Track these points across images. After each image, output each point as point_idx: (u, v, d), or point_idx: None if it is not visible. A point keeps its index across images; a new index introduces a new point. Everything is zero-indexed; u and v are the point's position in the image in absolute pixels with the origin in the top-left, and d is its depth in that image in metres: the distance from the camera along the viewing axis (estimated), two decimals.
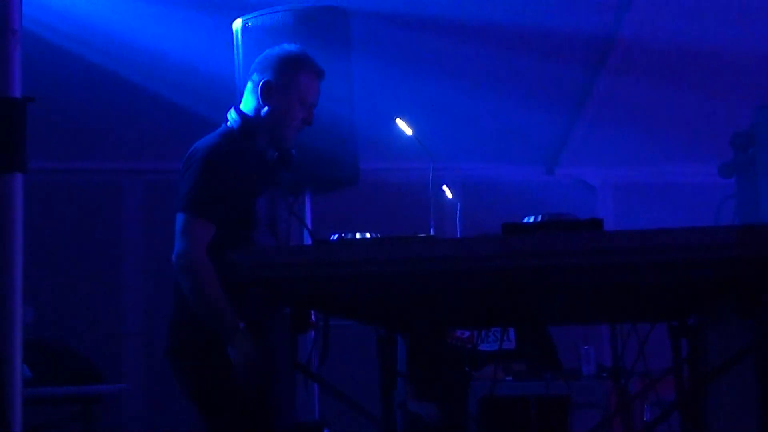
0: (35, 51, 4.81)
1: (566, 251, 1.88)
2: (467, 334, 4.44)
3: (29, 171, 1.65)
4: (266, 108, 2.84)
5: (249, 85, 2.90)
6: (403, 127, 3.01)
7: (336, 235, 2.29)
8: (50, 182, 5.88)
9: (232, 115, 2.88)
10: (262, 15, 3.73)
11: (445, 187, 3.34)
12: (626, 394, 3.44)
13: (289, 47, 2.94)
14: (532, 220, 2.05)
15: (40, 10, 4.71)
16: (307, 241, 3.41)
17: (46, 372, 4.23)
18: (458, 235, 3.10)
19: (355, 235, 2.26)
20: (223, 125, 2.89)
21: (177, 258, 2.67)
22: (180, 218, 2.68)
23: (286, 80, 2.84)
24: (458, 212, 3.13)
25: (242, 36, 3.74)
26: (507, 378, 4.01)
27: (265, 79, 2.85)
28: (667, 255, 1.86)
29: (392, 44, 5.24)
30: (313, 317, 3.24)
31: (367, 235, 2.27)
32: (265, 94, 2.83)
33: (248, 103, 2.89)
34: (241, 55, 3.71)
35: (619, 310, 2.86)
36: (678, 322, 2.83)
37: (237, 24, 3.76)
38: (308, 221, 3.93)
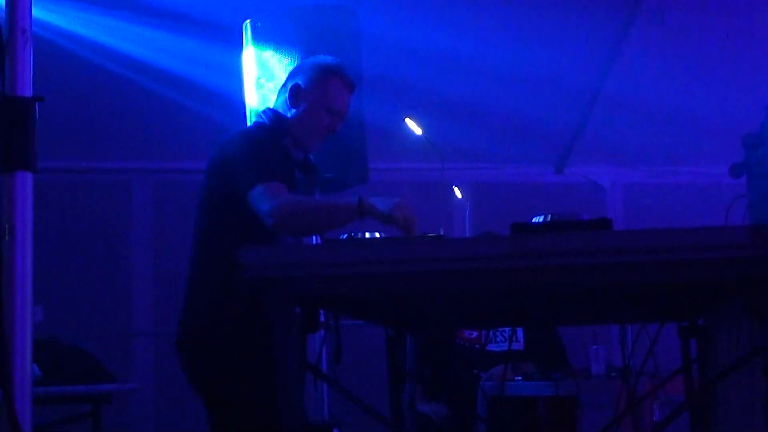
0: (45, 51, 4.83)
1: (575, 251, 1.88)
2: (475, 334, 4.44)
3: (39, 170, 1.66)
4: (293, 111, 2.90)
5: (282, 88, 2.97)
6: (413, 126, 3.02)
7: (345, 235, 2.29)
8: (59, 182, 5.90)
9: (265, 113, 2.94)
10: (271, 15, 3.73)
11: (455, 188, 3.33)
12: (635, 394, 3.43)
13: (324, 57, 3.01)
14: (541, 219, 2.05)
15: (48, 11, 4.73)
16: (317, 240, 3.42)
17: (56, 371, 4.24)
18: (467, 235, 3.09)
19: (364, 235, 2.27)
20: (255, 123, 2.94)
21: (271, 214, 2.59)
22: (255, 191, 2.64)
23: (315, 85, 2.90)
24: (468, 212, 3.12)
25: (252, 36, 3.75)
26: (516, 378, 4.00)
27: (296, 82, 2.91)
28: (677, 255, 1.86)
29: (402, 43, 5.24)
30: (322, 317, 3.25)
31: (377, 234, 2.28)
32: (294, 96, 2.90)
33: (280, 105, 2.95)
34: (252, 56, 3.72)
35: (628, 311, 2.85)
36: (688, 322, 2.83)
37: (245, 25, 3.76)
38: None
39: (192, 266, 2.85)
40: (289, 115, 2.90)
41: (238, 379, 2.68)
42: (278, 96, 2.98)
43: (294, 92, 2.90)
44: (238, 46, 3.82)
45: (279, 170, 2.72)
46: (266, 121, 2.90)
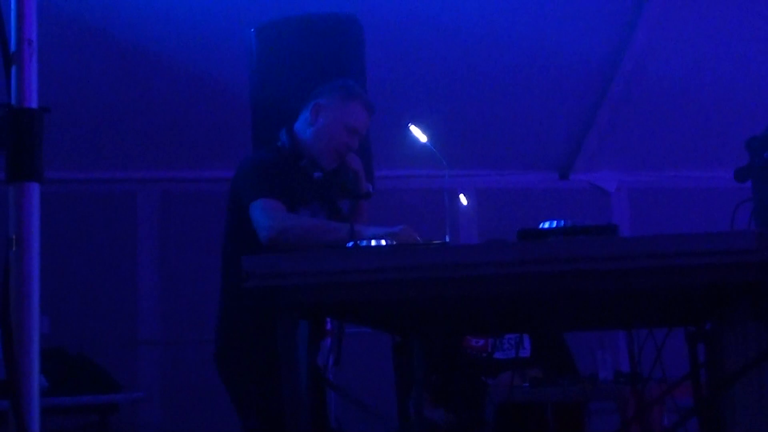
0: (52, 59, 4.85)
1: (582, 257, 1.88)
2: (482, 341, 4.44)
3: (45, 181, 1.66)
4: (312, 127, 3.02)
5: (304, 107, 3.09)
6: (417, 133, 3.02)
7: (350, 243, 2.30)
8: (66, 192, 5.91)
9: (283, 134, 3.06)
10: (276, 24, 3.73)
11: (461, 195, 3.34)
12: (643, 400, 3.43)
13: (347, 80, 3.15)
14: (547, 226, 2.05)
15: (54, 19, 4.74)
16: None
17: (63, 381, 4.25)
18: (474, 242, 3.09)
19: (369, 242, 2.27)
20: (275, 144, 3.06)
21: (268, 231, 2.72)
22: (255, 206, 2.79)
23: (336, 103, 3.04)
24: (474, 219, 3.13)
25: (257, 45, 3.75)
26: (523, 385, 3.99)
27: (318, 100, 3.05)
28: (684, 260, 1.85)
29: (406, 52, 5.24)
30: (328, 325, 3.25)
31: (382, 242, 2.28)
32: (314, 113, 3.03)
33: (301, 124, 3.08)
34: (256, 66, 3.71)
35: (635, 316, 2.85)
36: (695, 327, 2.82)
37: (251, 34, 3.77)
38: None
39: (221, 278, 2.93)
40: (308, 131, 3.01)
41: (273, 392, 2.71)
42: (301, 114, 3.09)
43: (315, 108, 3.02)
44: (245, 55, 3.82)
45: (283, 189, 2.83)
46: (283, 143, 3.02)
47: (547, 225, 2.06)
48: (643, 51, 5.35)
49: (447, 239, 2.81)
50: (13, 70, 1.64)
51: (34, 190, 1.64)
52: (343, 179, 3.03)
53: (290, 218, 2.77)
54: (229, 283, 2.92)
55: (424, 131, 3.02)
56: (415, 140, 3.03)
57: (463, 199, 3.57)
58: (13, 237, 1.61)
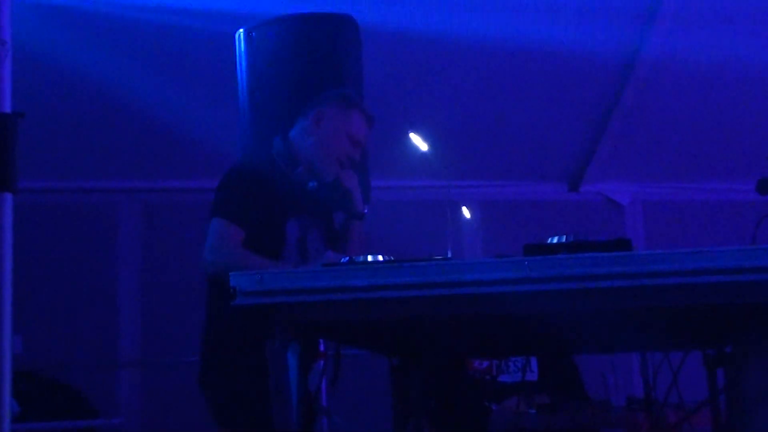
0: (26, 64, 4.84)
1: (592, 274, 1.88)
2: (486, 364, 4.43)
3: (19, 191, 1.66)
4: (313, 138, 3.11)
5: (301, 115, 3.18)
6: (418, 142, 3.02)
7: (346, 258, 2.29)
8: (41, 202, 5.90)
9: (278, 141, 3.15)
10: (266, 25, 3.74)
11: (463, 207, 3.37)
12: (658, 427, 3.42)
13: (346, 90, 3.26)
14: (555, 240, 2.05)
15: (29, 21, 4.75)
16: None
17: (36, 406, 4.24)
18: (477, 258, 3.09)
19: (366, 258, 2.27)
20: (267, 152, 3.15)
21: (205, 255, 2.88)
22: (213, 223, 2.93)
23: (338, 112, 3.14)
24: (477, 233, 3.14)
25: (245, 47, 3.75)
26: (530, 411, 3.98)
27: (320, 108, 3.14)
28: (702, 278, 1.85)
29: (406, 56, 5.25)
30: (321, 346, 3.24)
31: (379, 257, 2.28)
32: (316, 121, 3.11)
33: (299, 132, 3.16)
34: (244, 68, 3.72)
35: (650, 338, 2.84)
36: (714, 350, 2.82)
37: (239, 35, 3.77)
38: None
39: (206, 295, 2.96)
40: (309, 140, 3.08)
41: (262, 418, 2.70)
42: (298, 122, 3.17)
43: (317, 116, 3.11)
44: (231, 57, 3.83)
45: (247, 209, 2.92)
46: (275, 151, 3.10)
47: (555, 240, 2.05)
48: (658, 55, 5.36)
49: (449, 254, 2.81)
50: None
51: (7, 200, 1.64)
52: (338, 194, 3.07)
53: (236, 256, 2.83)
54: (213, 300, 2.94)
55: (425, 139, 3.02)
56: (415, 149, 3.03)
57: (466, 212, 3.58)
58: None
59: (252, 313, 2.07)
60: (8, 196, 1.67)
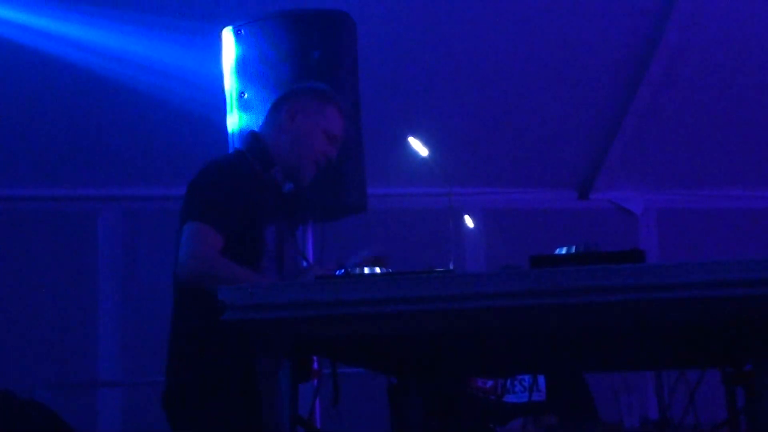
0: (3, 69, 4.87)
1: (604, 287, 1.88)
2: (490, 383, 4.43)
3: None
4: (287, 135, 3.04)
5: (271, 112, 3.11)
6: (418, 147, 3.02)
7: (341, 271, 2.30)
8: (14, 211, 5.90)
9: (248, 139, 3.09)
10: (255, 21, 3.74)
11: (465, 216, 3.36)
12: None
13: (316, 83, 3.20)
14: (564, 251, 2.05)
15: (7, 25, 4.77)
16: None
17: (10, 426, 4.23)
18: (481, 270, 3.10)
19: (362, 270, 2.27)
20: (237, 149, 3.11)
21: (185, 264, 2.77)
22: (187, 228, 2.83)
23: (313, 107, 3.07)
24: (481, 243, 3.14)
25: (232, 46, 3.75)
26: None
27: (292, 104, 3.06)
28: (720, 291, 1.85)
29: (405, 55, 5.26)
30: (315, 364, 3.24)
31: (377, 269, 2.28)
32: (290, 118, 3.04)
33: (269, 130, 3.09)
34: (234, 68, 3.72)
35: (665, 355, 2.85)
36: (733, 368, 2.82)
37: (226, 33, 3.78)
38: (309, 254, 3.94)
39: (173, 309, 2.91)
40: (282, 138, 3.02)
41: None
42: (267, 120, 3.11)
43: (290, 112, 3.04)
44: (217, 56, 3.83)
45: (239, 209, 2.83)
46: (246, 149, 3.03)
47: (563, 251, 2.06)
48: (674, 54, 5.37)
49: (451, 266, 2.82)
50: None
51: None
52: (314, 197, 3.06)
53: (217, 263, 2.77)
54: (183, 311, 2.88)
55: (425, 144, 3.03)
56: (415, 154, 3.04)
57: (468, 221, 3.58)
58: None
59: (230, 327, 2.05)
60: None
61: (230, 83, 3.74)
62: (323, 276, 2.33)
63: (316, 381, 3.24)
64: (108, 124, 5.54)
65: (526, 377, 4.38)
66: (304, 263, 3.41)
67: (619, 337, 2.29)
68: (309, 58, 3.55)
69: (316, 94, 3.10)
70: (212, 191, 2.87)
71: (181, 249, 2.79)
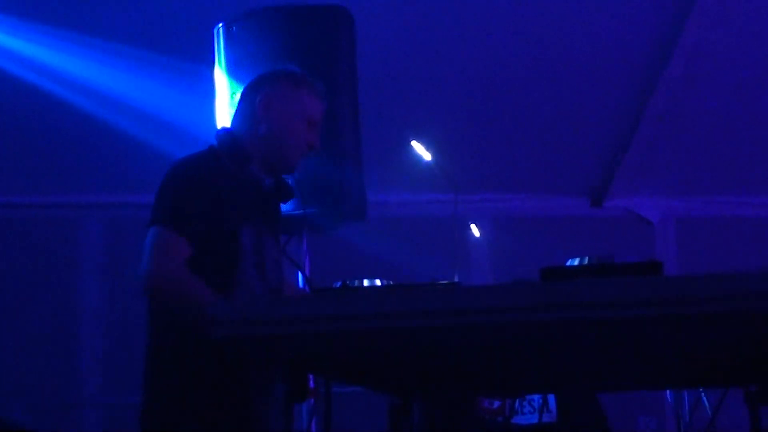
0: None
1: (619, 301, 1.88)
2: (498, 404, 4.43)
3: None
4: (264, 125, 2.96)
5: (242, 104, 3.04)
6: (421, 150, 3.03)
7: (339, 283, 2.30)
8: None
9: (220, 135, 3.00)
10: (248, 18, 3.75)
11: (472, 224, 3.35)
12: None
13: (288, 66, 3.11)
14: (576, 263, 2.05)
15: None
16: (304, 288, 3.42)
17: None
18: (487, 282, 3.11)
19: (362, 283, 2.27)
20: (209, 146, 3.00)
21: (147, 277, 2.71)
22: (151, 232, 2.77)
23: (288, 92, 3.00)
24: (487, 254, 3.14)
25: (224, 44, 3.77)
26: None
27: (266, 93, 2.98)
28: (743, 304, 1.86)
29: (406, 51, 5.26)
30: (311, 383, 3.24)
31: (377, 282, 2.28)
32: (266, 107, 2.96)
33: (241, 123, 3.02)
34: (224, 66, 3.73)
35: (684, 373, 2.85)
36: (757, 386, 2.82)
37: (218, 30, 3.79)
38: (305, 265, 3.94)
39: (148, 321, 2.87)
40: (259, 131, 2.96)
41: None
42: (237, 113, 3.06)
43: (265, 101, 2.97)
44: (205, 58, 3.84)
45: (196, 216, 2.77)
46: (219, 146, 2.96)
47: (575, 262, 2.06)
48: (693, 52, 5.38)
49: (456, 279, 2.82)
50: None
51: None
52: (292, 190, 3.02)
53: (181, 281, 2.71)
54: (157, 325, 2.84)
55: (429, 147, 3.04)
56: (418, 158, 3.05)
57: (475, 230, 3.58)
58: None
59: (219, 343, 2.04)
60: None
61: (221, 85, 3.75)
62: (320, 289, 2.33)
63: (312, 400, 3.24)
64: (90, 128, 5.55)
65: (536, 397, 4.38)
66: (300, 275, 3.39)
67: (635, 354, 2.29)
68: (304, 55, 3.54)
69: (289, 79, 3.04)
70: (178, 191, 2.82)
71: (142, 259, 2.74)
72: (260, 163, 2.95)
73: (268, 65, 3.45)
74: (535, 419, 4.29)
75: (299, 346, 2.06)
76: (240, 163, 2.92)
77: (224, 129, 3.07)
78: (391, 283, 2.36)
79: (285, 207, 3.14)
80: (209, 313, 1.98)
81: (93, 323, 6.00)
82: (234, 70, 3.70)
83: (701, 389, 3.83)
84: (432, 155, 3.04)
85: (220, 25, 3.78)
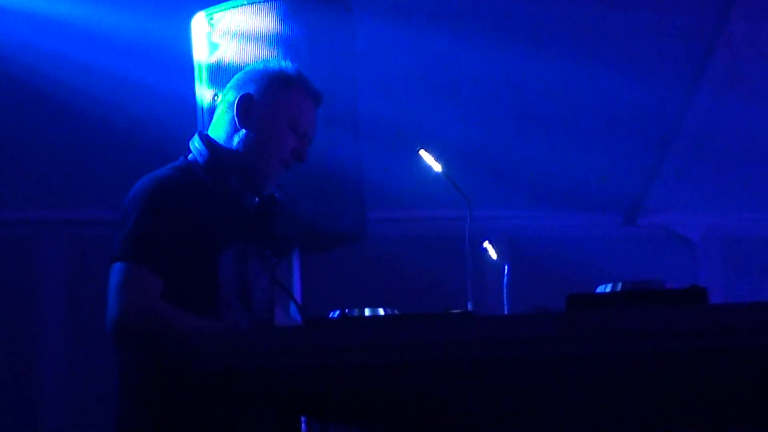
0: None
1: (656, 333, 1.89)
2: None
3: None
4: (244, 131, 2.93)
5: (221, 106, 3.02)
6: (429, 160, 3.04)
7: (336, 312, 2.30)
8: None
9: (195, 143, 2.97)
10: (231, 8, 3.76)
11: (487, 244, 3.35)
12: None
13: (276, 61, 3.09)
14: (607, 289, 2.06)
15: None
16: (296, 318, 3.43)
17: None
18: (505, 311, 3.12)
19: (362, 312, 2.28)
20: (182, 158, 2.96)
21: (116, 321, 2.67)
22: (116, 270, 2.73)
23: (273, 95, 2.97)
24: (506, 278, 3.14)
25: (203, 37, 3.77)
26: None
27: (246, 92, 2.96)
28: None
29: (414, 51, 5.27)
30: (304, 425, 3.25)
31: (380, 311, 2.28)
32: (244, 110, 2.94)
33: (219, 129, 3.00)
34: (206, 66, 3.74)
35: (729, 414, 2.85)
36: None
37: (196, 22, 3.79)
38: (296, 291, 3.95)
39: (118, 356, 2.88)
40: (236, 139, 2.94)
41: None
42: (218, 116, 3.03)
43: (244, 104, 2.94)
44: (183, 52, 3.85)
45: (169, 246, 2.74)
46: (197, 157, 2.94)
47: (607, 288, 2.07)
48: (739, 47, 5.39)
49: (469, 307, 2.83)
50: None
51: None
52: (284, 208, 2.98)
53: (153, 307, 2.68)
54: (128, 360, 2.84)
55: (438, 157, 3.05)
56: (426, 170, 3.05)
57: (491, 251, 3.57)
58: None
59: (202, 379, 2.05)
60: None
61: (200, 84, 3.76)
62: (315, 318, 2.33)
63: None
64: (51, 136, 5.56)
65: None
66: (292, 304, 3.38)
67: (672, 391, 2.30)
68: (297, 52, 3.55)
69: (276, 76, 3.00)
70: (145, 216, 2.76)
71: (109, 301, 2.70)
72: (237, 177, 2.91)
73: (257, 62, 3.45)
74: None
75: (290, 384, 2.07)
76: (218, 176, 2.89)
77: (201, 135, 3.00)
78: (396, 312, 2.36)
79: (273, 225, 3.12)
80: (191, 345, 1.99)
81: (55, 348, 6.00)
82: (214, 69, 3.71)
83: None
84: (442, 166, 3.04)
85: (202, 13, 3.78)
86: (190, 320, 2.68)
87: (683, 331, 1.88)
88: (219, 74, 3.66)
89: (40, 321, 6.04)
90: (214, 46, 3.72)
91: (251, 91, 2.97)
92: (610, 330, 1.90)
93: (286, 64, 3.07)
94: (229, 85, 3.07)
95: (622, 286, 2.05)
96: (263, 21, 3.68)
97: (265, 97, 2.97)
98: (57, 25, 5.11)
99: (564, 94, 5.60)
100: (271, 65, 3.06)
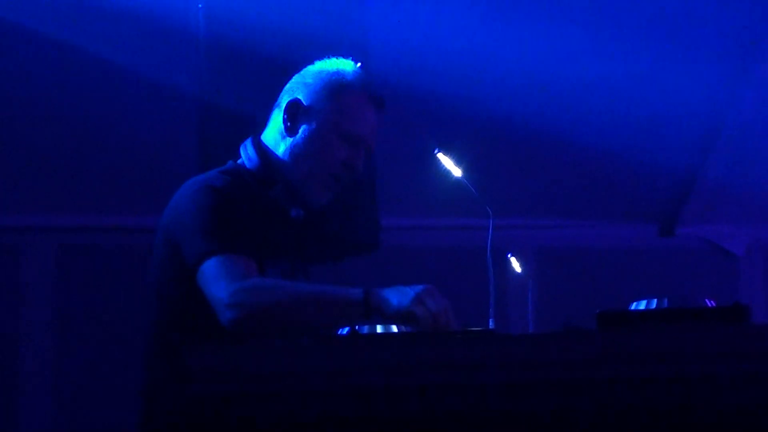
0: None
1: (694, 354, 1.89)
2: None
3: None
4: (290, 140, 2.94)
5: (275, 110, 3.02)
6: (447, 164, 3.04)
7: (346, 329, 2.30)
8: None
9: (248, 149, 2.98)
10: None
11: (511, 257, 3.35)
12: None
13: (336, 61, 3.03)
14: (642, 306, 2.06)
15: None
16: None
17: None
18: (530, 330, 3.12)
19: (373, 329, 2.28)
20: (230, 162, 3.00)
21: (229, 309, 2.61)
22: (204, 270, 2.69)
23: (324, 100, 2.95)
24: (530, 294, 3.14)
25: (206, 28, 3.79)
26: None
27: (294, 97, 2.96)
28: None
29: (432, 46, 5.28)
30: None
31: (393, 328, 2.29)
32: (291, 118, 2.94)
33: (270, 135, 3.01)
34: (203, 56, 3.75)
35: None
36: None
37: (199, 11, 3.81)
38: None
39: (144, 372, 2.91)
40: (282, 147, 2.95)
41: None
42: (272, 120, 3.03)
43: (291, 111, 2.95)
44: (186, 43, 3.86)
45: (248, 237, 2.74)
46: (248, 164, 2.96)
47: (642, 306, 2.07)
48: None
49: (490, 324, 2.83)
50: None
51: None
52: (336, 224, 2.97)
53: (267, 285, 2.67)
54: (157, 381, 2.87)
55: (457, 161, 3.05)
56: (445, 175, 3.06)
57: (514, 264, 3.57)
58: None
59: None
60: None
61: (202, 77, 3.77)
62: (323, 335, 2.34)
63: None
64: (37, 137, 5.58)
65: None
66: None
67: (714, 418, 2.30)
68: (303, 46, 3.57)
69: (329, 79, 2.98)
70: (209, 215, 2.74)
71: (213, 303, 2.64)
72: (283, 188, 2.92)
73: (263, 56, 3.46)
74: None
75: (294, 406, 2.07)
76: (266, 185, 2.91)
77: (253, 140, 3.01)
78: (410, 329, 2.37)
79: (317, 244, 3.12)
80: (186, 363, 1.99)
81: (39, 357, 6.02)
82: (218, 61, 3.72)
83: None
84: (462, 170, 3.04)
85: (200, 6, 3.79)
86: (306, 288, 2.71)
87: (724, 353, 1.88)
88: (224, 66, 3.67)
89: (23, 337, 6.06)
90: (216, 39, 3.73)
91: (300, 96, 2.96)
92: (644, 351, 1.91)
93: (345, 64, 3.02)
94: (287, 85, 3.05)
95: (657, 303, 2.06)
96: (272, 11, 3.69)
97: (315, 103, 2.96)
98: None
99: (597, 96, 5.60)
100: (327, 66, 3.02)
